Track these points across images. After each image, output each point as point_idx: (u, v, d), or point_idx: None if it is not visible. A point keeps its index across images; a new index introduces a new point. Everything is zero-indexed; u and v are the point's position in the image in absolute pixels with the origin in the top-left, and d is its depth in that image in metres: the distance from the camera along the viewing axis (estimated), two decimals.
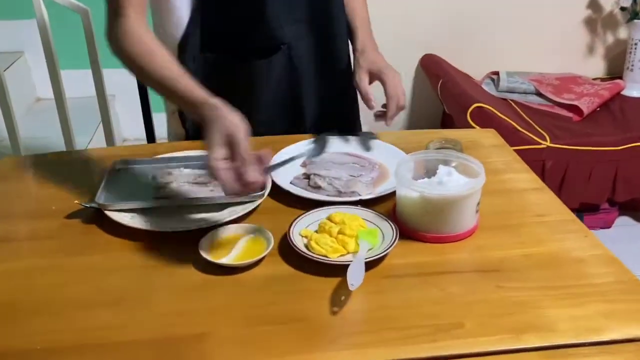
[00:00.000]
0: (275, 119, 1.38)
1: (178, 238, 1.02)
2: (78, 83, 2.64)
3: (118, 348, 0.81)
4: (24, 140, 2.35)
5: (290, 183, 1.17)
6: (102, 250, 1.01)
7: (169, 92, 1.08)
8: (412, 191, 1.00)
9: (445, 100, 2.73)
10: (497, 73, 2.92)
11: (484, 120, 2.41)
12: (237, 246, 0.98)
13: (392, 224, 1.01)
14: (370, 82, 1.29)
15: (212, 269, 0.94)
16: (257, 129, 1.34)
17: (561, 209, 1.10)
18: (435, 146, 1.18)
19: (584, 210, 2.56)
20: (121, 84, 2.14)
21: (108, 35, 1.16)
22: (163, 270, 0.95)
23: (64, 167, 1.30)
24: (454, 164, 1.08)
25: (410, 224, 1.02)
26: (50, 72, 2.22)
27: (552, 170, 2.43)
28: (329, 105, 1.36)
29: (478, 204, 1.02)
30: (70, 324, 0.85)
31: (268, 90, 1.33)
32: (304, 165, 1.25)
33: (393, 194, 1.12)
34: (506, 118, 2.42)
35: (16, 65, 3.03)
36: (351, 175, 1.18)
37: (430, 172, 1.09)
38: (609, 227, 2.65)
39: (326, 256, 0.95)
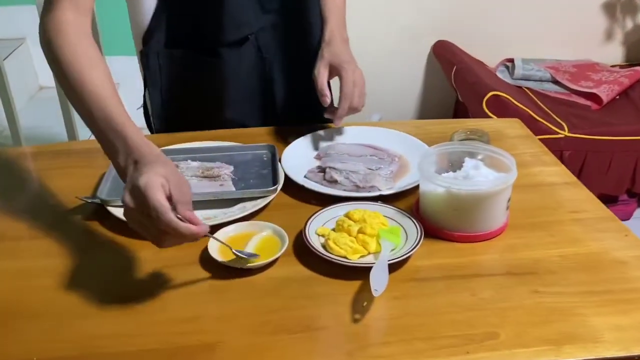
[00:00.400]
0: (246, 116, 1.31)
1: None
2: None
3: (123, 358, 0.74)
4: (26, 130, 2.29)
5: (304, 177, 1.10)
6: (104, 249, 0.95)
7: (106, 131, 0.85)
8: (438, 187, 0.93)
9: (459, 88, 2.65)
10: (511, 60, 2.83)
11: (500, 109, 2.33)
12: (248, 246, 0.91)
13: (415, 222, 0.93)
14: (331, 77, 1.19)
15: (222, 270, 0.88)
16: (227, 127, 1.28)
17: (597, 205, 1.03)
18: (460, 137, 1.10)
19: (602, 201, 2.47)
20: (125, 72, 2.07)
21: (39, 28, 0.97)
22: (170, 272, 0.89)
23: (65, 159, 1.23)
24: (480, 157, 1.01)
25: (435, 222, 0.95)
26: None
27: (570, 161, 2.34)
28: (301, 97, 1.28)
29: (509, 200, 0.95)
30: (70, 331, 0.78)
31: (238, 84, 1.25)
32: (318, 157, 1.18)
33: (415, 188, 1.05)
34: (523, 107, 2.34)
35: (18, 52, 2.96)
36: (369, 169, 1.10)
37: (455, 166, 1.01)
38: (627, 219, 2.57)
39: (345, 257, 0.88)
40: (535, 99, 2.56)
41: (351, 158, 1.14)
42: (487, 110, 2.34)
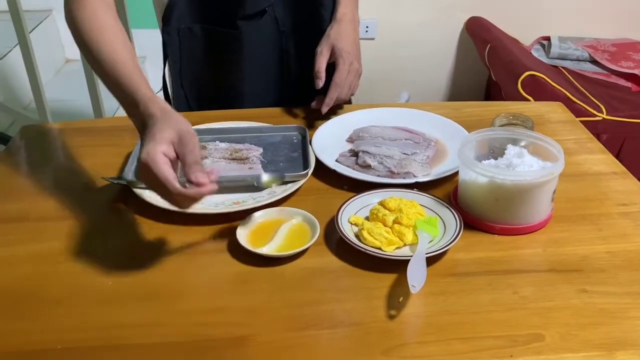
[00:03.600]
0: (262, 90, 1.28)
1: (212, 221, 0.91)
2: None
3: (144, 351, 0.72)
4: (52, 104, 2.27)
5: (336, 161, 1.05)
6: (129, 233, 0.92)
7: (114, 85, 0.89)
8: (480, 175, 0.87)
9: (493, 67, 2.56)
10: (547, 38, 2.73)
11: (536, 90, 2.24)
12: (278, 233, 0.87)
13: (454, 212, 0.89)
14: (330, 60, 1.17)
15: (251, 258, 0.84)
16: (245, 103, 1.27)
17: None
18: (502, 122, 1.05)
19: None
20: (152, 45, 2.02)
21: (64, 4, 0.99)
22: (196, 259, 0.85)
23: (92, 137, 1.20)
24: (523, 144, 0.95)
25: (475, 213, 0.90)
26: None
27: (607, 145, 2.22)
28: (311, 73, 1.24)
29: (554, 191, 0.89)
30: (93, 320, 0.76)
31: (256, 58, 1.24)
32: (350, 140, 1.13)
33: (452, 176, 1.00)
34: (560, 88, 2.25)
35: (44, 25, 2.93)
36: (404, 153, 1.05)
37: (496, 153, 0.96)
38: None
39: (380, 249, 0.83)
40: (572, 80, 2.47)
41: (385, 142, 1.09)
42: (522, 91, 2.26)
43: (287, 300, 0.78)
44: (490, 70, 2.63)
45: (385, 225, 0.86)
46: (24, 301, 0.79)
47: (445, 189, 0.98)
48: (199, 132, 1.12)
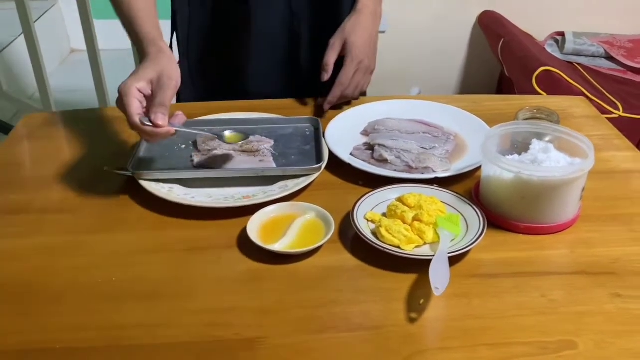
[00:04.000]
0: (269, 72, 1.24)
1: (222, 215, 0.87)
2: (114, 34, 2.49)
3: (147, 353, 0.67)
4: (56, 94, 2.23)
5: (350, 155, 1.01)
6: (134, 227, 0.87)
7: (128, 24, 0.97)
8: (505, 171, 0.83)
9: (506, 62, 2.50)
10: (562, 34, 2.67)
11: (551, 85, 2.19)
12: (291, 229, 0.83)
13: (477, 210, 0.84)
14: (342, 53, 1.12)
15: (262, 255, 0.80)
16: (250, 83, 1.23)
17: None
18: (526, 116, 1.00)
19: None
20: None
21: None
22: (204, 256, 0.81)
23: (95, 126, 1.15)
24: (548, 139, 0.90)
25: (499, 210, 0.85)
26: (82, 21, 2.07)
27: None
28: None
29: (583, 189, 0.84)
30: (95, 319, 0.71)
31: (264, 37, 1.19)
32: (365, 133, 1.08)
33: (473, 172, 0.95)
34: (576, 84, 2.20)
35: (50, 14, 2.89)
36: (422, 148, 1.00)
37: (520, 148, 0.91)
38: None
39: (399, 247, 0.79)
40: (587, 76, 2.41)
41: (402, 135, 1.04)
42: (536, 87, 2.21)
43: (300, 300, 0.73)
44: (503, 66, 2.58)
45: (404, 222, 0.81)
46: (23, 297, 0.75)
47: (465, 186, 0.94)
48: (209, 122, 1.08)
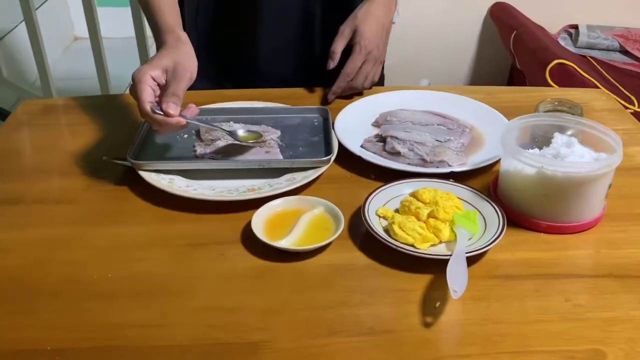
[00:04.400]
0: (282, 52, 1.19)
1: (226, 209, 0.82)
2: (117, 22, 2.45)
3: (144, 355, 0.63)
4: (58, 82, 2.19)
5: (361, 147, 0.96)
6: (133, 220, 0.83)
7: (149, 12, 0.96)
8: (526, 166, 0.78)
9: (518, 54, 2.44)
10: (575, 26, 2.61)
11: (564, 79, 2.13)
12: (298, 225, 0.78)
13: (495, 207, 0.79)
14: (351, 42, 1.08)
15: (267, 252, 0.75)
16: (261, 63, 1.18)
17: None
18: (546, 108, 0.95)
19: None
20: None
21: None
22: (206, 252, 0.76)
23: (95, 114, 1.10)
24: (570, 132, 0.85)
25: (518, 208, 0.80)
26: (85, 8, 2.02)
27: None
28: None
29: (609, 186, 0.79)
30: (90, 317, 0.67)
31: (277, 13, 1.14)
32: (376, 124, 1.03)
33: (490, 166, 0.90)
34: (590, 77, 2.14)
35: (54, 1, 2.84)
36: (437, 140, 0.96)
37: (540, 141, 0.86)
38: None
39: (413, 246, 0.74)
40: (601, 70, 2.35)
41: (415, 127, 0.99)
42: (549, 80, 2.15)
43: (307, 301, 0.69)
44: (514, 58, 2.52)
45: (418, 219, 0.77)
46: (15, 293, 0.71)
47: (482, 181, 0.89)
48: (213, 111, 1.04)
